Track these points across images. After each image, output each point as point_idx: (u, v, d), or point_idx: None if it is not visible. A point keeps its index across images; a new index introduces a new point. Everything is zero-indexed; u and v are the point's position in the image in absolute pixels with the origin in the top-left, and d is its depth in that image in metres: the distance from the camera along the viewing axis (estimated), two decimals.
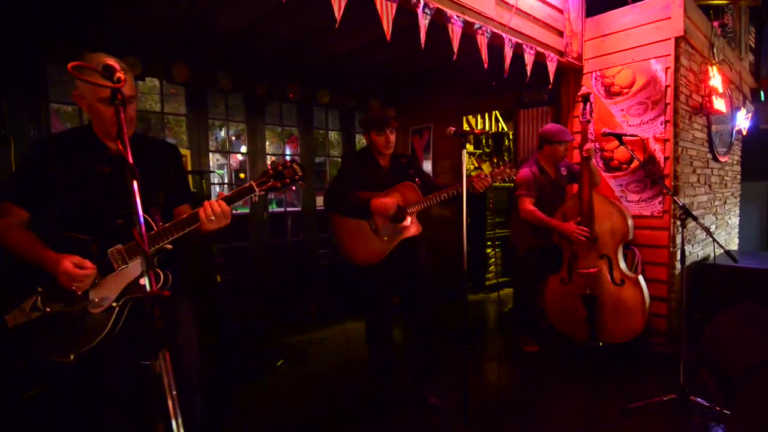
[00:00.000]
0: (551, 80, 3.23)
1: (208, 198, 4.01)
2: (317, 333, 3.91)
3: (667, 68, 3.20)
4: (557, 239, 3.12)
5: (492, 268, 5.28)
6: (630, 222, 2.95)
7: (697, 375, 2.63)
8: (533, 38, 3.10)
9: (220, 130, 6.55)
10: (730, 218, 4.76)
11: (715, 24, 3.77)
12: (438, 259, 3.40)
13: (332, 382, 2.96)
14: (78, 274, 1.38)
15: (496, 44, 2.84)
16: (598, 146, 3.52)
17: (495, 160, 6.05)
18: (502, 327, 4.09)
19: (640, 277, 2.93)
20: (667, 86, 3.20)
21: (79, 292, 1.44)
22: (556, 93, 3.90)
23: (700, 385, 2.52)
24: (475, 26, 2.66)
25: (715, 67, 3.60)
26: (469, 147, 5.63)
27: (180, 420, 0.93)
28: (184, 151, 3.97)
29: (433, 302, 2.67)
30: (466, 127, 5.34)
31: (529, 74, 3.04)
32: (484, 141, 6.07)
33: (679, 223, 2.44)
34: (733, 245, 4.98)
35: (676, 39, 3.16)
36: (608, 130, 2.92)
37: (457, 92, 4.88)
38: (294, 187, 1.60)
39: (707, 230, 2.51)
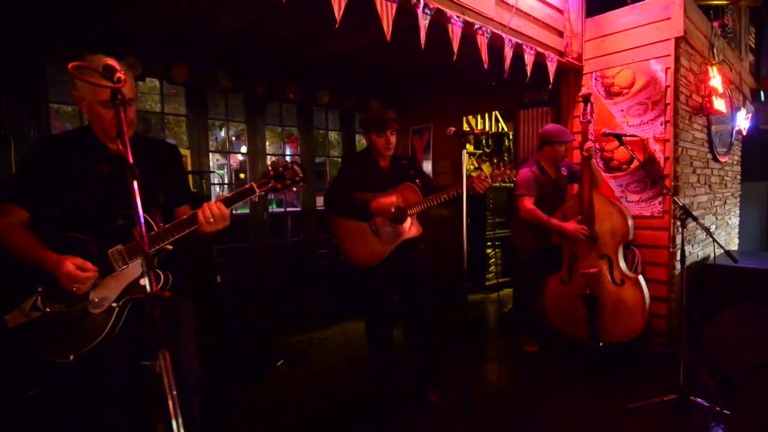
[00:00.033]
0: (551, 80, 3.23)
1: (209, 198, 4.04)
2: (317, 333, 3.91)
3: (667, 68, 3.20)
4: (557, 239, 3.12)
5: (492, 268, 5.27)
6: (630, 222, 2.95)
7: (697, 375, 2.63)
8: (533, 38, 3.10)
9: (220, 130, 6.55)
10: (730, 218, 4.76)
11: (715, 24, 3.77)
12: (438, 259, 3.40)
13: (332, 382, 2.96)
14: (80, 276, 1.38)
15: (496, 44, 2.84)
16: (598, 146, 3.52)
17: (495, 161, 6.05)
18: (502, 327, 4.09)
19: (641, 277, 2.93)
20: (667, 86, 3.20)
21: (80, 293, 1.44)
22: (556, 93, 3.90)
23: (700, 385, 2.52)
24: (475, 26, 2.66)
25: (715, 68, 3.60)
26: (469, 147, 5.62)
27: (180, 420, 0.93)
28: (184, 152, 3.98)
29: (432, 302, 2.67)
30: (466, 127, 5.34)
31: (529, 74, 3.04)
32: (484, 141, 6.07)
33: (679, 223, 2.44)
34: (733, 245, 4.98)
35: (676, 39, 3.16)
36: (608, 131, 2.92)
37: (457, 92, 4.88)
38: (295, 188, 1.59)
39: (707, 230, 2.51)
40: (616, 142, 2.88)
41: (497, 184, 2.58)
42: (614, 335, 2.94)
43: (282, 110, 4.85)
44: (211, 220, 1.49)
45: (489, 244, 5.26)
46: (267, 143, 4.82)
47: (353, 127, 5.37)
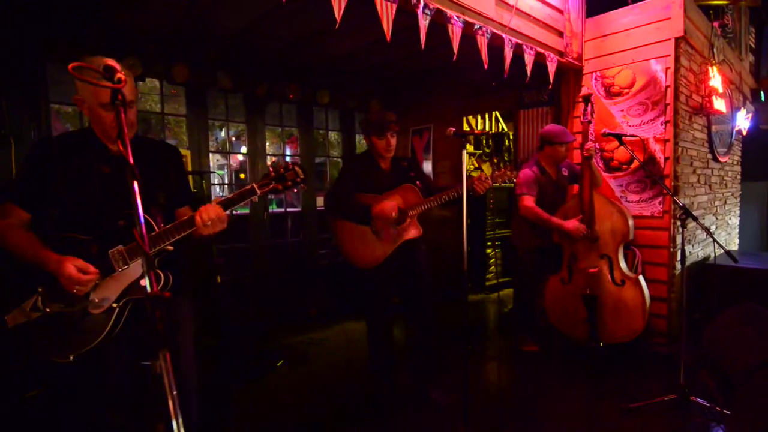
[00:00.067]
0: (551, 81, 3.23)
1: (209, 198, 4.04)
2: (317, 333, 3.91)
3: (667, 69, 3.20)
4: (558, 239, 3.12)
5: (492, 268, 5.28)
6: (630, 222, 2.95)
7: (697, 375, 2.63)
8: (533, 39, 3.10)
9: (220, 130, 6.55)
10: (730, 218, 4.76)
11: (715, 24, 3.77)
12: (438, 260, 3.40)
13: (332, 382, 2.96)
14: (81, 278, 1.39)
15: (496, 45, 2.84)
16: (598, 146, 3.52)
17: (495, 161, 6.05)
18: (502, 327, 4.09)
19: (641, 278, 2.93)
20: (667, 87, 3.20)
21: (80, 295, 1.44)
22: (556, 93, 3.90)
23: (700, 386, 2.52)
24: (475, 27, 2.66)
25: (715, 68, 3.60)
26: (469, 147, 5.62)
27: (180, 420, 0.93)
28: (185, 152, 3.98)
29: (433, 302, 2.67)
30: (466, 127, 5.34)
31: (529, 75, 3.04)
32: (484, 141, 6.07)
33: (679, 223, 2.44)
34: (734, 245, 4.98)
35: (676, 39, 3.16)
36: (608, 131, 2.93)
37: (457, 93, 4.88)
38: (296, 190, 1.60)
39: (707, 230, 2.51)
40: (616, 142, 2.88)
41: (497, 184, 2.58)
42: (614, 335, 2.94)
43: (282, 110, 4.85)
44: (209, 223, 1.49)
45: (489, 244, 5.26)
46: (267, 143, 4.82)
47: (353, 128, 5.37)
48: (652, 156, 3.29)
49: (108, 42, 3.34)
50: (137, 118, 1.62)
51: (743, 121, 4.65)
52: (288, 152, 6.36)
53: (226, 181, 8.14)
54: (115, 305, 1.49)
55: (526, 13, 3.02)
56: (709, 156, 3.92)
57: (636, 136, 3.33)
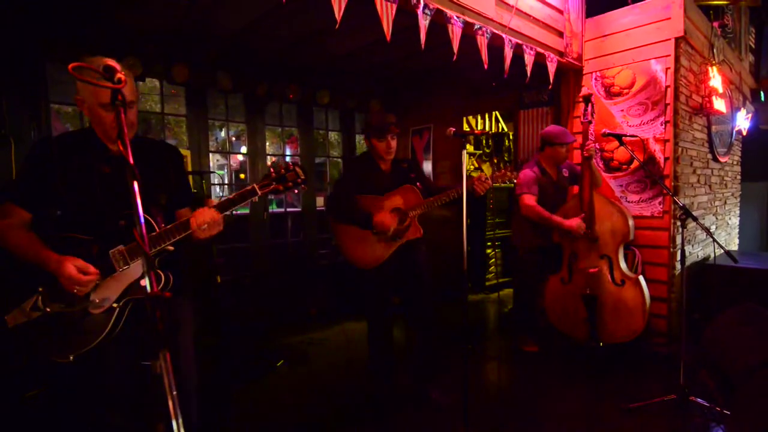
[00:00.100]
0: (551, 81, 3.23)
1: (209, 198, 4.04)
2: (317, 333, 3.91)
3: (667, 69, 3.20)
4: (558, 238, 3.12)
5: (492, 268, 5.27)
6: (631, 222, 2.95)
7: (697, 375, 2.63)
8: (533, 39, 3.10)
9: (220, 130, 6.55)
10: (730, 219, 4.76)
11: (715, 24, 3.77)
12: (438, 260, 3.40)
13: (332, 382, 2.96)
14: (81, 279, 1.39)
15: (496, 45, 2.84)
16: (598, 146, 3.52)
17: (495, 161, 6.05)
18: (502, 327, 4.09)
19: (641, 278, 2.93)
20: (667, 87, 3.20)
21: (81, 295, 1.44)
22: (556, 93, 3.90)
23: (700, 386, 2.52)
24: (475, 27, 2.66)
25: (715, 68, 3.60)
26: (469, 147, 5.62)
27: (180, 420, 0.93)
28: (185, 152, 3.98)
29: (433, 302, 2.68)
30: (466, 127, 5.34)
31: (529, 75, 3.04)
32: (484, 141, 6.07)
33: (679, 223, 2.44)
34: (733, 245, 4.98)
35: (676, 39, 3.16)
36: (608, 131, 2.93)
37: (457, 93, 4.88)
38: (296, 191, 1.60)
39: (707, 231, 2.51)
40: (616, 143, 2.88)
41: (498, 184, 2.58)
42: (614, 335, 2.94)
43: (282, 110, 4.85)
44: (204, 227, 1.49)
45: (489, 244, 5.26)
46: (267, 143, 4.82)
47: (353, 128, 5.37)
48: (652, 156, 3.29)
49: (108, 42, 3.34)
50: (137, 118, 1.62)
51: (743, 121, 4.65)
52: (288, 152, 6.36)
53: (226, 181, 8.14)
54: (115, 305, 1.49)
55: (526, 14, 3.02)
56: (709, 156, 3.92)
57: (636, 136, 3.33)
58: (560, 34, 3.35)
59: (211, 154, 4.44)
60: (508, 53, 2.88)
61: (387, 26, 2.21)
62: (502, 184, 2.64)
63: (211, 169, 4.50)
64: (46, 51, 3.09)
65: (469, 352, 2.43)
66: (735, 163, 4.89)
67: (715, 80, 3.56)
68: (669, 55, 3.18)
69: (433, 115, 5.13)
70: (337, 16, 2.04)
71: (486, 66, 2.72)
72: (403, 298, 2.69)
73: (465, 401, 2.09)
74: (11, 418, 2.38)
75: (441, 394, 2.57)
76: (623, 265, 2.97)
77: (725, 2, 4.08)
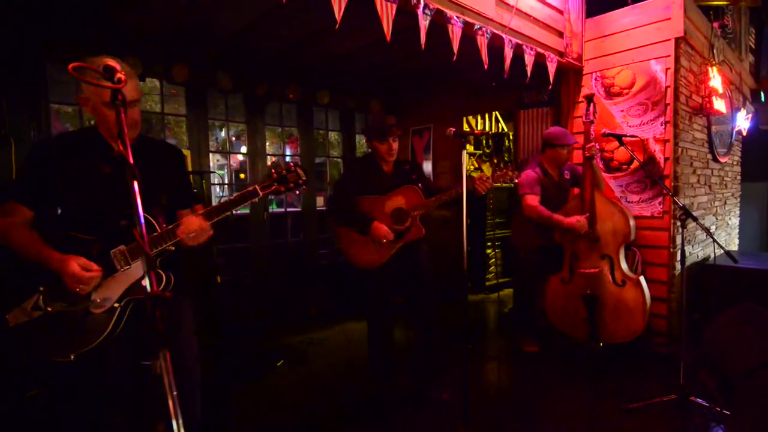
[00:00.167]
0: (551, 81, 3.23)
1: (209, 199, 4.03)
2: (317, 333, 3.91)
3: (667, 69, 3.20)
4: (559, 238, 3.12)
5: (492, 268, 5.28)
6: (632, 223, 2.95)
7: (697, 375, 2.63)
8: (533, 39, 3.10)
9: (220, 130, 6.55)
10: (730, 219, 4.76)
11: (715, 25, 3.77)
12: (438, 260, 3.40)
13: (332, 382, 2.96)
14: (84, 276, 1.39)
15: (496, 45, 2.84)
16: (598, 147, 3.52)
17: (495, 161, 6.05)
18: (502, 327, 4.09)
19: (642, 278, 2.93)
20: (667, 87, 3.20)
21: (83, 294, 1.44)
22: (556, 94, 3.90)
23: (700, 386, 2.52)
24: (475, 27, 2.66)
25: (715, 68, 3.60)
26: (469, 148, 5.62)
27: (180, 420, 0.93)
28: (185, 152, 3.97)
29: (435, 302, 2.68)
30: (466, 127, 5.34)
31: (529, 75, 3.04)
32: (484, 142, 6.07)
33: (679, 223, 2.44)
34: (733, 246, 4.98)
35: (676, 40, 3.16)
36: (608, 131, 2.93)
37: (457, 93, 4.88)
38: (297, 191, 1.60)
39: (707, 231, 2.52)
40: (616, 143, 2.88)
41: (498, 184, 2.59)
42: (614, 335, 2.94)
43: (282, 110, 4.85)
44: (192, 235, 1.49)
45: (489, 244, 5.26)
46: (267, 143, 4.81)
47: (353, 128, 5.37)
48: (652, 156, 3.29)
49: (108, 42, 3.34)
50: (141, 117, 1.62)
51: (743, 121, 4.65)
52: (288, 152, 6.36)
53: (226, 181, 8.14)
54: (116, 305, 1.49)
55: (526, 14, 3.02)
56: (709, 156, 3.92)
57: (636, 136, 3.33)
58: (560, 35, 3.35)
59: (211, 154, 4.44)
60: (508, 53, 2.88)
61: (387, 26, 2.22)
62: (503, 184, 2.64)
63: (211, 169, 4.50)
64: (46, 51, 3.09)
65: (469, 352, 2.43)
66: (735, 163, 4.89)
67: (715, 80, 3.57)
68: (669, 56, 3.18)
69: (433, 115, 5.13)
70: (337, 16, 2.04)
71: (486, 66, 2.72)
72: (405, 298, 2.69)
73: (465, 401, 2.09)
74: (11, 418, 2.38)
75: (441, 393, 2.57)
76: (624, 265, 2.97)
77: (725, 2, 4.08)
